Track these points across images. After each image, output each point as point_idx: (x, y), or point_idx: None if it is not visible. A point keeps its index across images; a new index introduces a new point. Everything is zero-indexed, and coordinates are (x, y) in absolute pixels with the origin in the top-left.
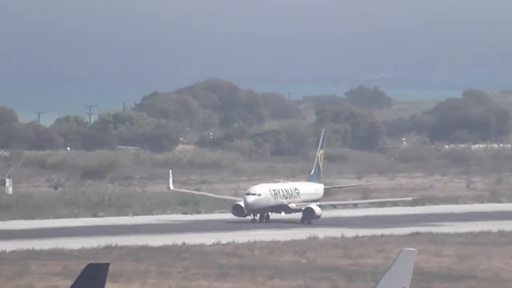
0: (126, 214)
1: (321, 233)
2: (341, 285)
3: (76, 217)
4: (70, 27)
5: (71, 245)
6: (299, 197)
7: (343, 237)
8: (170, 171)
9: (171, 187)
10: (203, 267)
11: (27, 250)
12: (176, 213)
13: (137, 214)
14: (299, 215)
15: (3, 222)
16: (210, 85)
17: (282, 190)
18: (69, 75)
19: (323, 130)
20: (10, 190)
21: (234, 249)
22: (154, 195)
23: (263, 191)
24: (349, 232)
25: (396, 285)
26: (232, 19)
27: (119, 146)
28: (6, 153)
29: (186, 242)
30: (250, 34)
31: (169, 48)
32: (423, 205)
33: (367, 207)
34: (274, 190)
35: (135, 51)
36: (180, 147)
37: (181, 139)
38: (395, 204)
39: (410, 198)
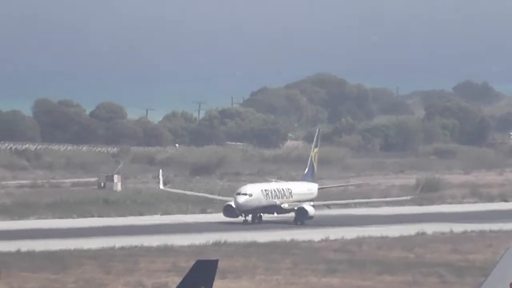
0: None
1: (429, 228)
2: (451, 281)
3: (185, 213)
4: (176, 26)
5: (180, 241)
6: (292, 197)
7: (451, 232)
8: (160, 170)
9: (161, 186)
10: (312, 263)
11: (136, 246)
12: None
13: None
14: (292, 215)
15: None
16: (318, 80)
17: (274, 190)
18: (177, 72)
19: (317, 129)
20: (118, 186)
21: (342, 245)
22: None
23: (254, 191)
24: (458, 227)
25: (504, 281)
26: (338, 11)
27: (228, 142)
28: (114, 150)
29: (295, 238)
30: (358, 27)
31: (277, 42)
32: None
33: (356, 206)
34: (265, 190)
35: (243, 46)
36: (288, 142)
37: (289, 134)
38: (399, 203)
39: (408, 197)
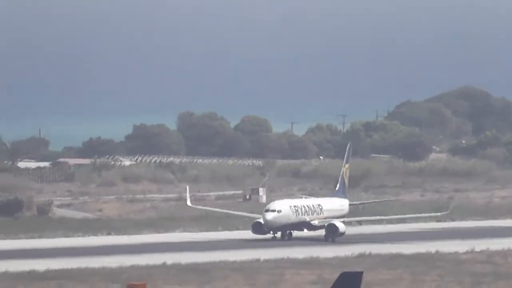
0: (380, 223)
1: None
2: None
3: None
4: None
5: (326, 253)
6: (322, 213)
7: None
8: (187, 187)
9: (188, 203)
10: (457, 275)
11: (282, 258)
12: (430, 221)
13: (391, 223)
14: (322, 232)
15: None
16: (462, 92)
17: (303, 206)
18: (320, 85)
19: (348, 144)
20: (263, 199)
21: (487, 257)
22: (407, 203)
23: (283, 208)
24: None
25: None
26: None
27: (372, 155)
28: (260, 162)
29: (440, 250)
30: (502, 39)
31: (422, 55)
32: None
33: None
34: (295, 206)
35: (385, 59)
36: (433, 155)
37: (434, 147)
38: (433, 219)
39: (439, 213)
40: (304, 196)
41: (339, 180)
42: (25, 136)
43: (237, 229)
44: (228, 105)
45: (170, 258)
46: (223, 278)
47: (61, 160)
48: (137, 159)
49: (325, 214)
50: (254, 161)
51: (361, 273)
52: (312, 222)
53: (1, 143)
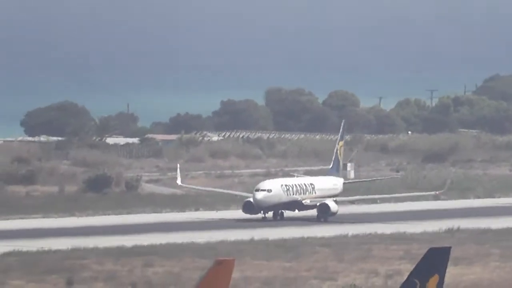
0: (467, 197)
1: None
2: None
3: (417, 200)
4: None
5: (413, 229)
6: (315, 192)
7: None
8: (178, 165)
9: (179, 182)
10: None
11: (370, 234)
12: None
13: (479, 197)
14: (315, 212)
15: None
16: None
17: (295, 185)
18: (409, 58)
19: (343, 120)
20: (351, 174)
21: None
22: (495, 178)
23: (274, 187)
24: None
25: None
26: None
27: (460, 129)
28: (347, 138)
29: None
30: None
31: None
32: None
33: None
34: (286, 185)
35: (474, 33)
36: None
37: None
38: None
39: (434, 192)
40: (296, 174)
41: (333, 158)
42: (114, 112)
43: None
44: (316, 80)
45: (257, 234)
46: (311, 254)
47: (149, 136)
48: (224, 135)
49: (318, 193)
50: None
51: (449, 248)
52: (303, 202)
53: (89, 119)
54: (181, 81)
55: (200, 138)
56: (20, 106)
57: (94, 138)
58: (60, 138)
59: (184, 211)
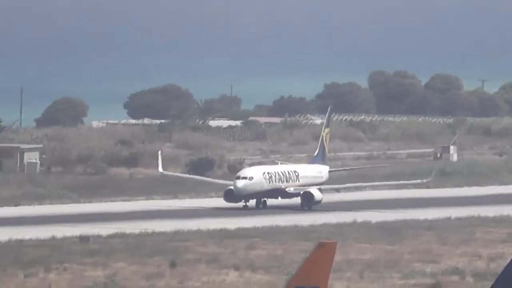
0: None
1: None
2: None
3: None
4: None
5: None
6: (299, 180)
7: None
8: (160, 151)
9: (160, 169)
10: None
11: (472, 217)
12: None
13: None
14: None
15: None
16: None
17: (278, 173)
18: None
19: (329, 106)
20: (454, 157)
21: None
22: None
23: (255, 175)
24: None
25: None
26: None
27: None
28: (450, 120)
29: None
30: None
31: None
32: None
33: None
34: (268, 173)
35: None
36: None
37: None
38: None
39: (424, 180)
40: (279, 162)
41: (319, 145)
42: (217, 95)
43: (427, 187)
44: (419, 63)
45: (360, 217)
46: (414, 237)
47: (252, 118)
48: None
49: (302, 181)
50: (444, 119)
51: None
52: (287, 190)
53: (193, 102)
54: (284, 64)
55: (303, 121)
56: (124, 89)
57: (197, 121)
58: (163, 121)
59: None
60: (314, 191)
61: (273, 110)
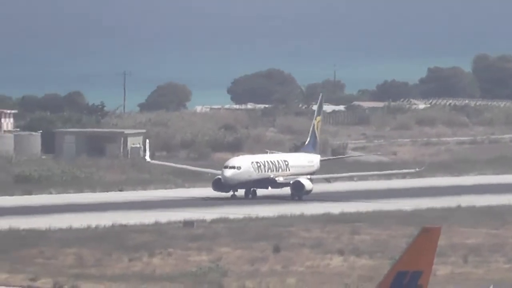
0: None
1: None
2: None
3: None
4: None
5: None
6: (289, 169)
7: None
8: (147, 140)
9: (148, 158)
10: None
11: None
12: None
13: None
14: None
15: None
16: None
17: (267, 162)
18: None
19: (320, 94)
20: None
21: None
22: None
23: (243, 164)
24: None
25: None
26: None
27: None
28: None
29: None
30: None
31: None
32: None
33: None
34: (257, 162)
35: None
36: None
37: None
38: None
39: (414, 170)
40: (268, 151)
41: (309, 134)
42: (320, 80)
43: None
44: None
45: (464, 201)
46: None
47: (356, 103)
48: (431, 102)
49: (292, 170)
50: None
51: None
52: (276, 179)
53: (296, 87)
54: (387, 48)
55: (407, 105)
56: (227, 73)
57: (300, 105)
58: (266, 106)
59: (390, 179)
60: (304, 180)
61: (376, 94)
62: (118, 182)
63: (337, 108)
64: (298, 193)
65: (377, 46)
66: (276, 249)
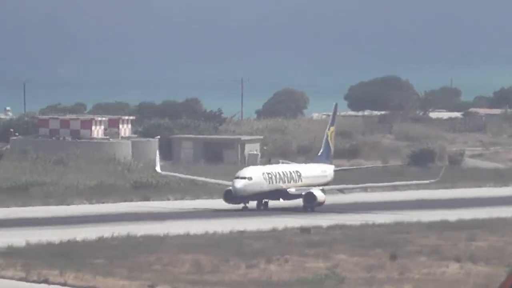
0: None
1: None
2: None
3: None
4: None
5: None
6: (301, 180)
7: None
8: (157, 151)
9: (158, 169)
10: None
11: None
12: None
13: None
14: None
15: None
16: None
17: (279, 173)
18: None
19: (335, 104)
20: None
21: None
22: None
23: (254, 175)
24: None
25: None
26: None
27: None
28: None
29: None
30: None
31: None
32: None
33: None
34: (268, 173)
35: None
36: None
37: None
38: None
39: (429, 181)
40: (281, 161)
41: (323, 143)
42: (437, 86)
43: None
44: None
45: None
46: None
47: (472, 110)
48: None
49: (304, 181)
50: None
51: None
52: (288, 190)
53: (413, 93)
54: (505, 54)
55: None
56: (343, 80)
57: (418, 112)
58: (383, 112)
59: (507, 185)
60: (317, 192)
61: (493, 101)
62: None
63: (453, 115)
64: (310, 204)
65: (494, 52)
66: (393, 256)
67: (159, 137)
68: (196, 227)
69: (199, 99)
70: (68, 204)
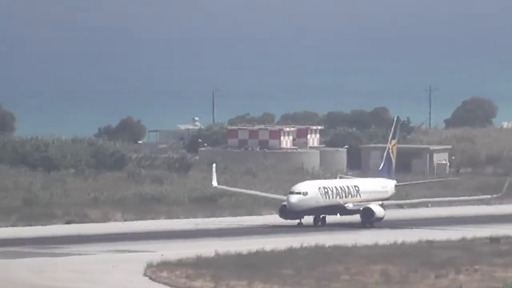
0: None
1: None
2: None
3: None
4: None
5: None
6: (359, 195)
7: None
8: (214, 165)
9: (215, 183)
10: None
11: None
12: None
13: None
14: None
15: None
16: None
17: (336, 188)
18: None
19: (396, 117)
20: None
21: None
22: None
23: (309, 189)
24: None
25: None
26: None
27: None
28: None
29: None
30: None
31: None
32: None
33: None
34: (324, 188)
35: None
36: None
37: None
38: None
39: (491, 196)
40: (339, 176)
41: (384, 158)
42: None
43: None
44: None
45: None
46: None
47: None
48: None
49: (363, 196)
50: None
51: None
52: (346, 206)
53: None
54: None
55: None
56: None
57: None
58: None
59: None
60: (375, 207)
61: None
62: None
63: None
64: (368, 220)
65: None
66: None
67: (347, 146)
68: (384, 237)
69: (387, 108)
70: (257, 215)
